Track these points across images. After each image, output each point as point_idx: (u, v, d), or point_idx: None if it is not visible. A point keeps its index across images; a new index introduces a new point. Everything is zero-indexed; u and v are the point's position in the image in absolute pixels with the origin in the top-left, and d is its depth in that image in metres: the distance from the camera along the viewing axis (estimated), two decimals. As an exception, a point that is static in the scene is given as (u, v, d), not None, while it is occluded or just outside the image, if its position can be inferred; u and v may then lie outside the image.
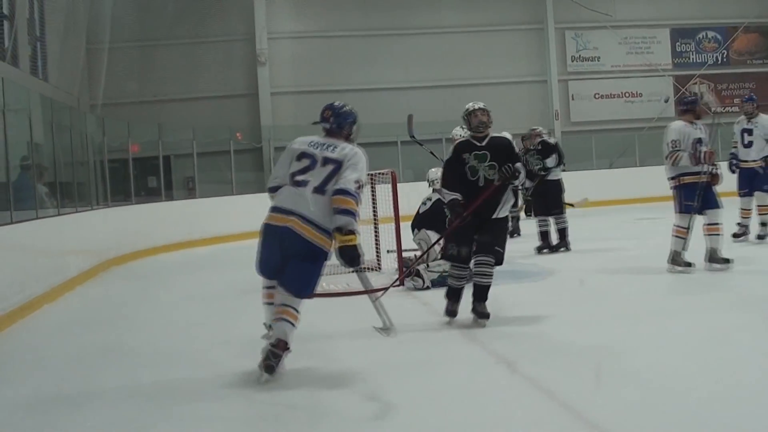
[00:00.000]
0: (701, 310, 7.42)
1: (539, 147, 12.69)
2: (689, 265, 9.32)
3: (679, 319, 6.96)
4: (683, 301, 8.06)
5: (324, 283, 9.61)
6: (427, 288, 9.61)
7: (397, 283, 9.62)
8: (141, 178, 19.19)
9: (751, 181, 11.71)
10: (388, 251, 11.33)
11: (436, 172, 10.27)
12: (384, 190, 10.60)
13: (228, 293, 10.33)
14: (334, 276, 10.20)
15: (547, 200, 12.60)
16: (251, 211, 18.21)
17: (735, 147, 12.01)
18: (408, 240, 10.63)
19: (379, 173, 10.79)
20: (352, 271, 10.37)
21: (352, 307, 8.50)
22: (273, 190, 6.04)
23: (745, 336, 6.18)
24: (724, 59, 28.50)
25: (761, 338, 6.11)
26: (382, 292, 7.23)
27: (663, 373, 5.29)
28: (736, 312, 7.20)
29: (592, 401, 4.81)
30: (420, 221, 10.55)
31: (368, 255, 10.85)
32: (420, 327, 7.41)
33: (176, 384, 5.90)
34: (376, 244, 11.04)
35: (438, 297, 8.63)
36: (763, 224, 11.67)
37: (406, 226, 10.38)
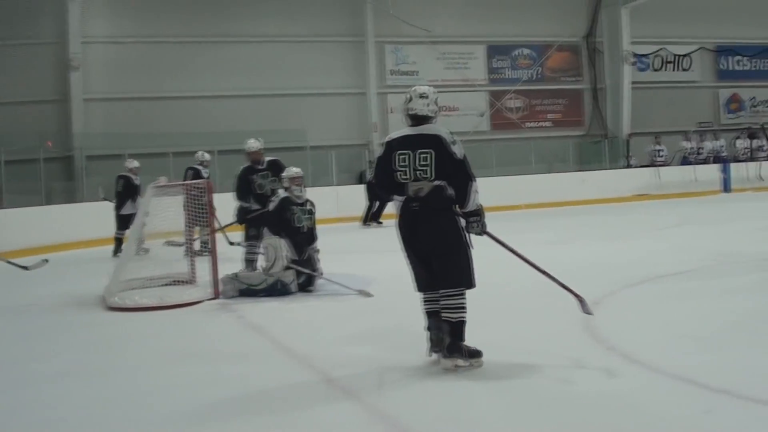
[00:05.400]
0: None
1: (267, 166, 11.25)
2: None
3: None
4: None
5: (136, 297, 9.39)
6: (233, 296, 9.52)
7: (212, 296, 9.49)
8: (-58, 187, 18.24)
9: None
10: (231, 243, 11.18)
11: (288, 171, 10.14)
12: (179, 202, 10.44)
13: (34, 307, 9.85)
14: (148, 289, 9.94)
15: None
16: (62, 221, 17.79)
17: None
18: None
19: (195, 185, 10.57)
20: (164, 285, 10.22)
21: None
22: None
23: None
24: (538, 76, 29.45)
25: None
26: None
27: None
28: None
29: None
30: (269, 219, 10.10)
31: (183, 267, 10.69)
32: (243, 347, 7.29)
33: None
34: (191, 255, 10.78)
35: (252, 309, 8.60)
36: None
37: (223, 237, 10.21)
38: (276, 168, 10.95)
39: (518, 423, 4.72)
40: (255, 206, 10.89)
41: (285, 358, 6.66)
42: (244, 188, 11.00)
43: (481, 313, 6.04)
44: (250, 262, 10.78)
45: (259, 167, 11.01)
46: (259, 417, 5.07)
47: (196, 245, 12.09)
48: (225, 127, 22.53)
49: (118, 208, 15.15)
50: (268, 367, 6.29)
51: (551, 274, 6.38)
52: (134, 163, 15.70)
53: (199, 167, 15.19)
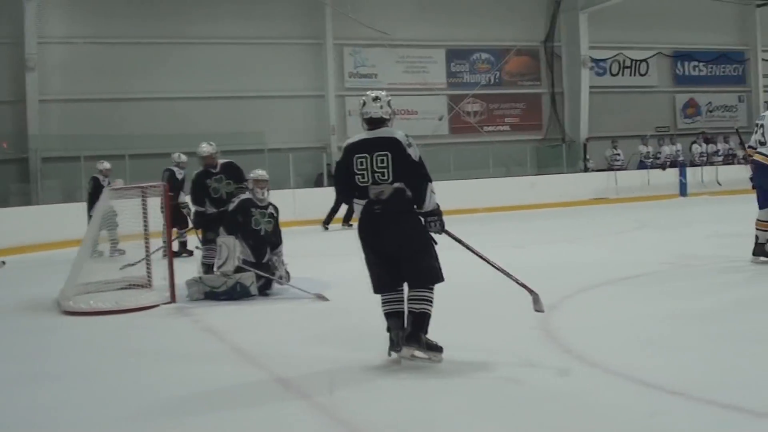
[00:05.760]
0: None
1: (221, 169, 11.00)
2: None
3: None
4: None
5: (91, 301, 9.28)
6: (198, 299, 9.45)
7: (169, 299, 9.40)
8: None
9: None
10: (197, 247, 11.31)
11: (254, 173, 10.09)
12: (155, 203, 10.35)
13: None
14: (103, 293, 9.83)
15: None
16: (18, 224, 17.56)
17: None
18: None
19: (151, 186, 10.48)
20: (120, 289, 10.11)
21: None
22: None
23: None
24: (497, 80, 29.50)
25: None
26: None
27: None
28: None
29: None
30: (226, 219, 10.04)
31: (140, 271, 10.59)
32: (198, 349, 7.23)
33: None
34: (147, 259, 10.68)
35: (209, 312, 8.56)
36: None
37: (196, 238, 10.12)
38: (230, 171, 10.90)
39: (472, 422, 4.74)
40: (211, 210, 10.81)
41: (239, 359, 6.66)
42: (199, 193, 10.92)
43: (440, 313, 6.04)
44: (207, 266, 10.70)
45: (213, 171, 10.92)
46: (211, 415, 5.09)
47: (174, 245, 12.11)
48: (182, 130, 22.26)
49: (89, 209, 15.07)
50: (222, 367, 6.29)
51: (507, 271, 6.44)
52: (105, 165, 15.76)
53: (175, 168, 15.07)
